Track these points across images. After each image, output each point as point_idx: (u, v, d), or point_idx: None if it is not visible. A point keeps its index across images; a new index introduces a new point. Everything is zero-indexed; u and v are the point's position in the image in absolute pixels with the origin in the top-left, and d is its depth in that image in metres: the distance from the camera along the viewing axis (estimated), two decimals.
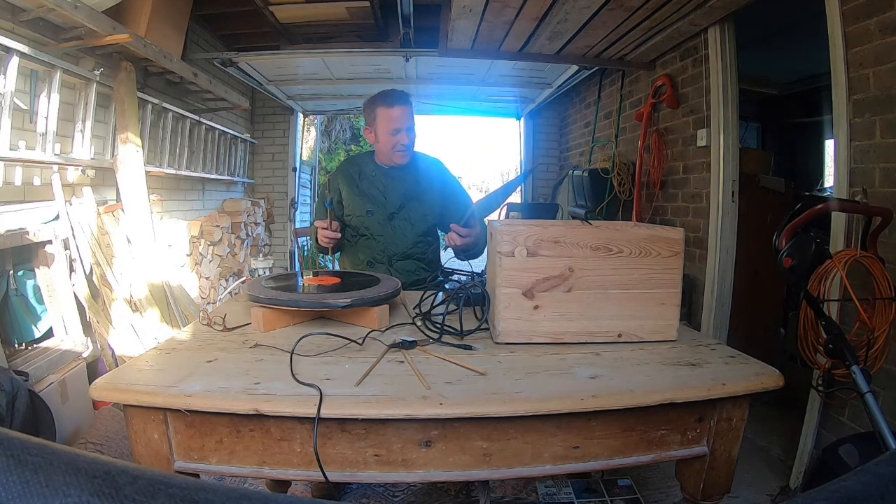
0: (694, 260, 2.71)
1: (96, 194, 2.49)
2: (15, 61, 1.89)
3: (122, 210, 2.60)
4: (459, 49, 3.08)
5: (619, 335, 0.97)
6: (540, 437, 0.76)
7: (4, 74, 1.87)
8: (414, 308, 1.15)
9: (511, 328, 0.96)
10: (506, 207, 4.79)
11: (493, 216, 1.56)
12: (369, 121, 1.73)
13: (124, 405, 0.76)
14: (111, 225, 2.50)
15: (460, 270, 1.57)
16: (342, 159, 1.96)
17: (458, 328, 0.99)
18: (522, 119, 5.15)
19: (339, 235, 1.63)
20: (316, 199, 1.92)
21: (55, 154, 2.16)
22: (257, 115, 4.98)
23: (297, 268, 4.61)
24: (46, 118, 2.11)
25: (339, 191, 1.81)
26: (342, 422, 0.73)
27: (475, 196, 1.69)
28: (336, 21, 3.53)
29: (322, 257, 4.14)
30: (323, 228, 1.60)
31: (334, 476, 0.75)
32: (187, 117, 3.36)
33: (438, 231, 1.84)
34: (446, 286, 1.22)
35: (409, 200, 1.75)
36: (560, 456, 0.78)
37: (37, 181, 2.15)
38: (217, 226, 3.64)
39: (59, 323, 2.11)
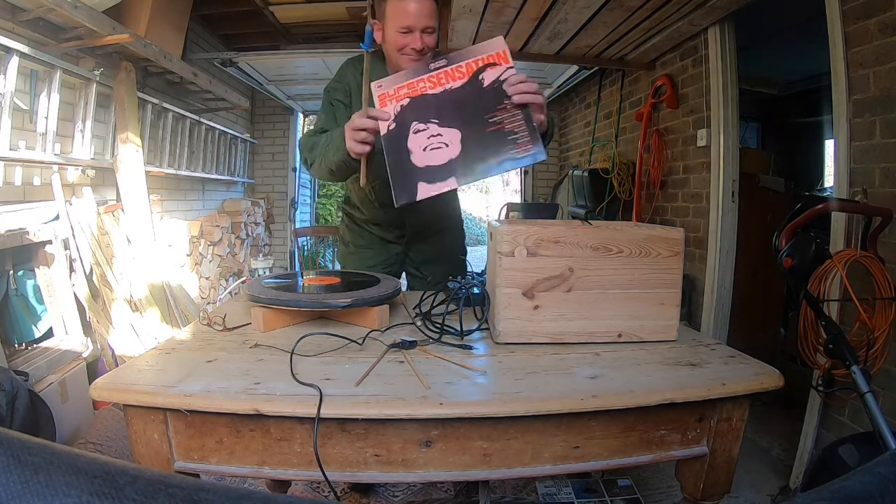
0: (694, 260, 2.71)
1: (96, 194, 2.49)
2: (15, 61, 1.89)
3: (122, 210, 2.60)
4: (459, 49, 3.08)
5: (619, 335, 0.97)
6: (540, 437, 0.76)
7: (4, 74, 1.87)
8: (414, 308, 1.15)
9: (511, 328, 0.96)
10: (506, 207, 4.79)
11: (493, 216, 1.55)
12: (378, 12, 1.33)
13: (124, 405, 0.75)
14: (111, 225, 2.50)
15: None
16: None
17: (458, 328, 0.99)
18: None
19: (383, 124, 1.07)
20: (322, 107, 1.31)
21: (55, 154, 2.16)
22: (257, 115, 4.98)
23: (297, 268, 4.61)
24: (46, 118, 2.11)
25: (348, 105, 1.39)
26: (342, 422, 0.73)
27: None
28: (336, 21, 3.53)
29: (322, 256, 4.13)
30: (363, 120, 1.07)
31: (334, 476, 0.75)
32: (187, 117, 3.36)
33: None
34: (447, 285, 1.21)
35: None
36: (560, 456, 0.78)
37: (37, 181, 2.15)
38: (217, 226, 3.64)
39: (59, 323, 2.11)
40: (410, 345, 0.92)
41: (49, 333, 2.11)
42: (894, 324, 1.37)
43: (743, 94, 2.56)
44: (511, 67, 1.05)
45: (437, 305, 1.14)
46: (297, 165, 5.14)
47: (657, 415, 0.79)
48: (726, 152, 2.48)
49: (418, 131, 1.04)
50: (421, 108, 1.04)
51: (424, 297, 1.17)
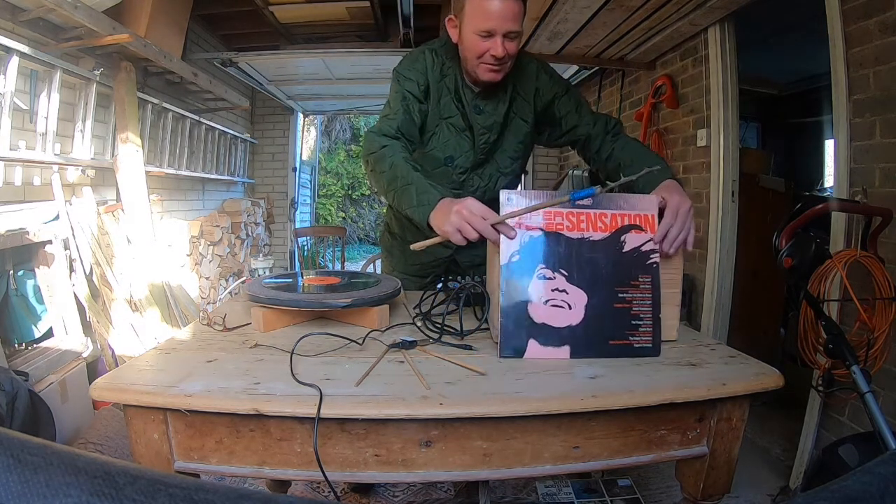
0: (694, 260, 2.71)
1: (96, 194, 2.49)
2: (15, 61, 1.89)
3: (122, 210, 2.60)
4: None
5: None
6: (540, 437, 0.76)
7: (4, 74, 1.87)
8: (414, 308, 1.15)
9: None
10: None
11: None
12: (456, 6, 1.17)
13: (124, 405, 0.75)
14: (111, 225, 2.50)
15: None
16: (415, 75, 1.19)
17: (458, 328, 0.99)
18: None
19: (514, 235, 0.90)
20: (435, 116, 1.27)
21: (55, 154, 2.16)
22: (257, 115, 4.98)
23: (297, 268, 4.61)
24: (46, 118, 2.11)
25: (420, 99, 1.25)
26: (342, 422, 0.73)
27: None
28: (336, 21, 3.53)
29: (322, 256, 4.12)
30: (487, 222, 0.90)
31: (334, 476, 0.75)
32: (187, 117, 3.36)
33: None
34: (449, 285, 1.21)
35: (498, 143, 1.32)
36: (560, 456, 0.78)
37: (37, 181, 2.15)
38: (217, 226, 3.64)
39: (59, 323, 2.11)
40: (410, 345, 0.92)
41: (49, 333, 2.11)
42: (894, 324, 1.37)
43: (743, 94, 2.56)
44: (652, 240, 0.92)
45: (437, 305, 1.14)
46: (298, 165, 5.14)
47: (657, 415, 0.79)
48: (726, 152, 2.48)
49: (543, 278, 0.89)
50: (552, 250, 0.89)
51: (424, 297, 1.18)
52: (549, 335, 0.88)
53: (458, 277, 1.21)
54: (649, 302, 0.90)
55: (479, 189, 1.35)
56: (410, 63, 1.27)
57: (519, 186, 1.50)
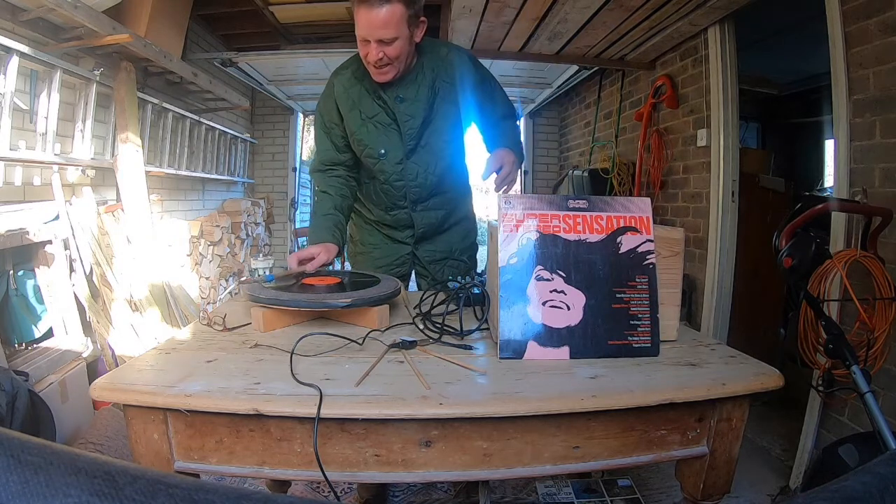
0: (694, 260, 2.71)
1: (96, 194, 2.49)
2: (15, 61, 1.89)
3: (122, 210, 2.60)
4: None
5: None
6: (540, 437, 0.76)
7: (4, 74, 1.87)
8: (414, 308, 1.15)
9: None
10: None
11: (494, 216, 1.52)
12: None
13: (124, 405, 0.75)
14: (111, 225, 2.50)
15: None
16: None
17: (458, 328, 0.99)
18: (522, 119, 5.15)
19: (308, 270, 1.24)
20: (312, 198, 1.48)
21: (55, 154, 2.16)
22: (257, 115, 4.98)
23: None
24: (46, 118, 2.11)
25: (337, 123, 1.42)
26: (342, 422, 0.73)
27: None
28: (336, 21, 3.52)
29: None
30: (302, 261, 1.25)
31: (334, 476, 0.75)
32: (187, 117, 3.36)
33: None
34: (448, 285, 1.22)
35: (428, 126, 1.38)
36: (560, 456, 0.78)
37: (37, 181, 2.15)
38: (217, 226, 3.64)
39: (59, 323, 2.11)
40: (410, 345, 0.92)
41: (49, 333, 2.11)
42: (894, 324, 1.37)
43: (743, 94, 2.56)
44: (650, 240, 0.92)
45: (437, 305, 1.14)
46: (298, 165, 5.14)
47: (657, 415, 0.79)
48: (726, 152, 2.48)
49: (541, 279, 0.90)
50: (549, 252, 0.91)
51: (424, 297, 1.18)
52: (549, 336, 0.89)
53: (458, 278, 1.22)
54: (647, 302, 0.91)
55: (420, 175, 1.42)
56: (324, 96, 1.45)
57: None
